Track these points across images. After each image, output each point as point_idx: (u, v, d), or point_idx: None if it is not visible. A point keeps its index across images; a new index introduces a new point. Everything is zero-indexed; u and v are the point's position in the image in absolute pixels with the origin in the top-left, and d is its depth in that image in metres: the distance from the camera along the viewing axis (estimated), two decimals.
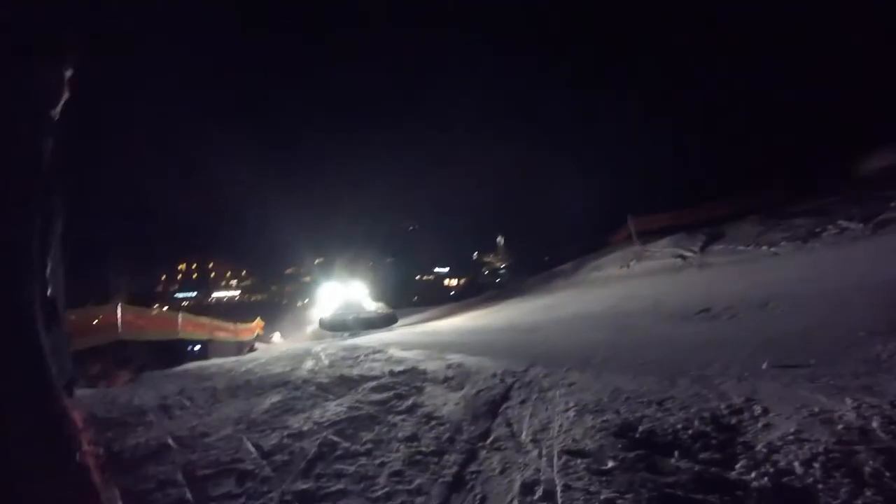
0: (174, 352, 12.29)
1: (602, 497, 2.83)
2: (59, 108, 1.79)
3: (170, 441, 4.40)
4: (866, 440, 3.02)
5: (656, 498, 2.77)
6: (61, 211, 1.78)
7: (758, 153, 26.55)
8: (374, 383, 5.89)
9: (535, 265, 31.10)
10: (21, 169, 1.55)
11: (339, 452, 3.86)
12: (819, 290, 7.98)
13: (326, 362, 7.46)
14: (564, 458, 3.41)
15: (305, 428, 4.46)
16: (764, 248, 14.30)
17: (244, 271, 67.01)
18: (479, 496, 3.06)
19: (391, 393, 5.40)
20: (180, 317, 14.42)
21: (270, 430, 4.52)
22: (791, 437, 3.24)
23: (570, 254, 25.77)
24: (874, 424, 3.17)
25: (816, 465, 2.87)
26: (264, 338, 21.68)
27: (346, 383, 6.06)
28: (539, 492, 2.98)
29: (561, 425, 4.03)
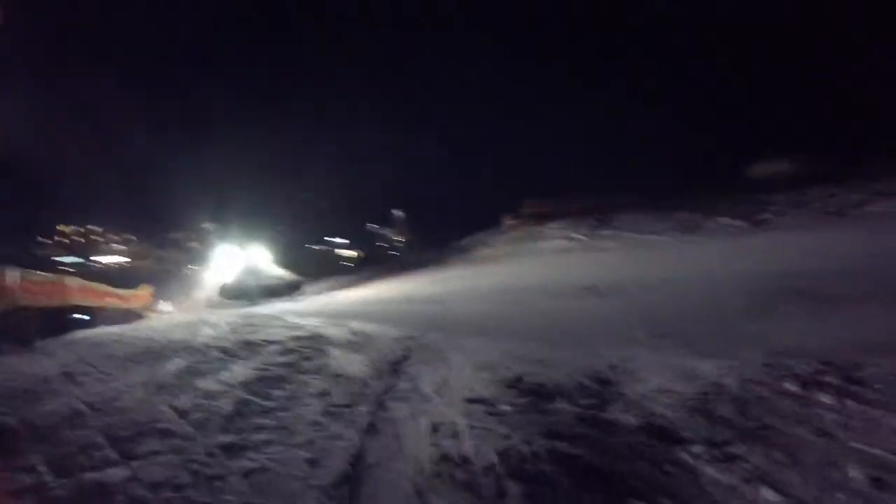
0: (63, 320, 11.66)
1: (500, 432, 3.46)
2: None
3: (82, 406, 4.53)
4: (722, 392, 3.83)
5: (544, 431, 3.43)
6: None
7: (656, 150, 28.64)
8: (278, 347, 6.23)
9: (432, 241, 31.76)
10: None
11: (255, 408, 4.26)
12: (696, 276, 9.17)
13: (227, 328, 7.58)
14: (465, 404, 4.01)
15: (217, 388, 4.78)
16: (648, 235, 15.80)
17: (130, 236, 62.92)
18: (392, 436, 3.60)
19: (297, 356, 5.79)
20: (73, 283, 13.63)
21: (181, 392, 4.77)
22: (659, 389, 4.03)
23: (466, 232, 26.65)
24: (730, 381, 4.00)
25: (679, 409, 3.65)
26: (153, 307, 20.28)
27: (250, 347, 6.32)
28: (446, 431, 3.55)
29: (458, 381, 4.62)
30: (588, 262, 13.96)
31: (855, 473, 2.66)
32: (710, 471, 2.87)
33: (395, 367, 5.22)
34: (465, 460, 3.14)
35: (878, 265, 7.69)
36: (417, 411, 4.00)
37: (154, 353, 6.33)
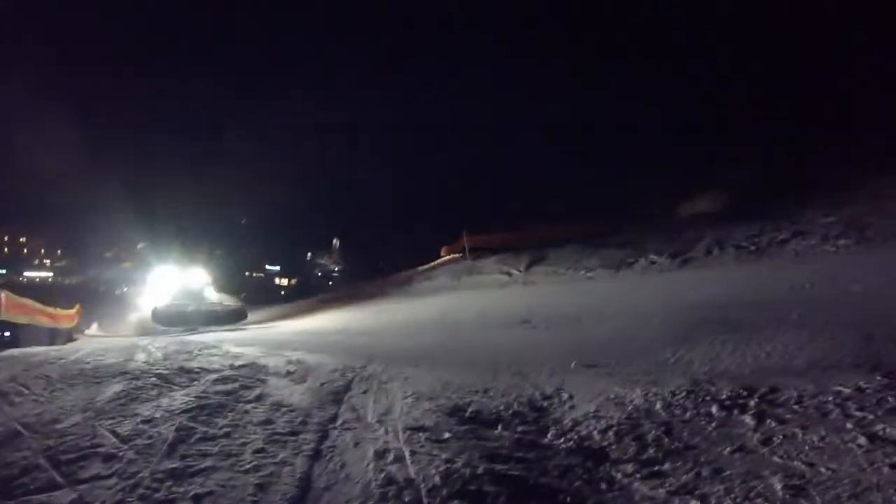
0: None
1: (443, 457, 3.58)
2: None
3: (19, 428, 4.45)
4: (650, 416, 4.04)
5: (485, 455, 3.55)
6: None
7: (583, 186, 29.50)
8: (215, 375, 6.19)
9: (370, 271, 31.62)
10: None
11: (198, 435, 4.25)
12: (625, 310, 9.51)
13: (160, 355, 7.45)
14: (408, 432, 4.13)
15: (157, 415, 4.74)
16: (581, 272, 16.28)
17: (59, 250, 59.74)
18: (339, 463, 3.69)
19: (236, 384, 5.77)
20: (3, 295, 12.60)
21: (121, 417, 4.73)
22: (591, 415, 4.22)
23: (404, 263, 26.68)
24: (658, 406, 4.22)
25: (610, 433, 3.85)
26: (80, 328, 18.72)
27: (187, 374, 6.26)
28: (390, 457, 3.68)
29: (401, 409, 4.76)
30: (523, 296, 14.27)
31: (775, 483, 2.85)
32: (641, 487, 3.03)
33: (338, 397, 5.24)
34: (409, 483, 3.22)
35: (792, 297, 8.17)
36: (362, 439, 4.06)
37: (89, 376, 6.20)
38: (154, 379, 6.01)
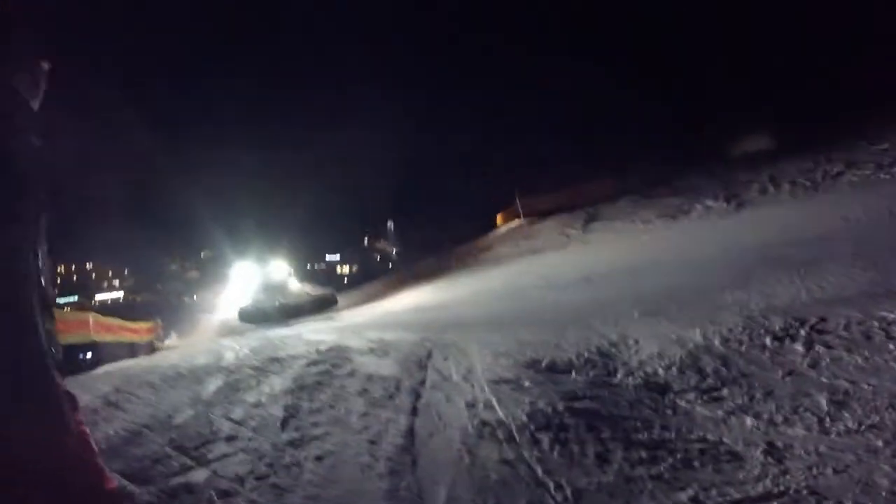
0: (73, 356, 11.88)
1: (526, 401, 4.11)
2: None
3: (139, 428, 5.03)
4: (709, 351, 4.48)
5: (562, 396, 4.09)
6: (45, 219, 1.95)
7: (638, 136, 29.18)
8: (304, 360, 6.84)
9: (428, 248, 31.95)
10: (25, 182, 1.78)
11: (305, 410, 4.85)
12: (683, 258, 9.84)
13: (247, 351, 8.14)
14: (492, 385, 4.68)
15: (263, 399, 5.36)
16: (638, 224, 16.50)
17: (125, 270, 62.73)
18: (436, 415, 4.26)
19: (327, 365, 6.39)
20: (91, 318, 13.84)
21: (230, 405, 5.35)
22: (655, 355, 4.69)
23: (460, 233, 27.09)
24: (716, 342, 4.66)
25: (673, 369, 4.31)
26: (160, 339, 19.41)
27: (279, 363, 6.94)
28: (480, 405, 4.23)
29: (482, 367, 5.30)
30: (582, 255, 14.63)
31: (820, 399, 3.28)
32: (702, 410, 3.51)
33: (422, 364, 5.81)
34: (501, 423, 3.76)
35: (847, 230, 8.36)
36: (451, 395, 4.63)
37: (187, 377, 6.87)
38: (249, 371, 6.66)
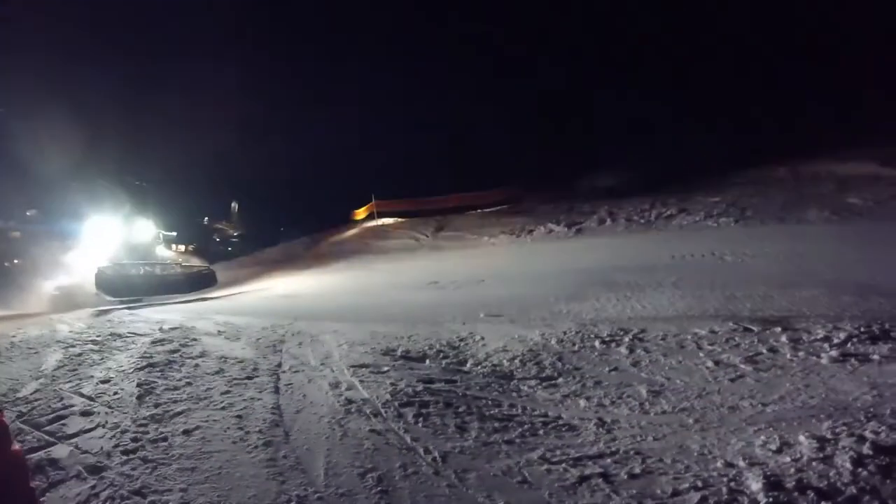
0: None
1: (387, 382, 4.39)
2: None
3: None
4: (546, 349, 4.96)
5: (420, 379, 4.39)
6: None
7: (499, 162, 30.33)
8: (149, 339, 6.57)
9: (272, 236, 30.83)
10: None
11: (161, 387, 4.73)
12: (525, 272, 10.56)
13: (83, 325, 7.58)
14: (352, 369, 4.88)
15: (112, 375, 5.15)
16: (485, 238, 17.35)
17: None
18: (300, 395, 4.37)
19: (174, 344, 6.21)
20: None
21: (78, 380, 5.08)
22: (500, 349, 5.11)
23: (309, 227, 26.61)
24: (552, 342, 5.15)
25: (516, 361, 4.74)
26: None
27: (121, 339, 6.61)
28: (343, 386, 4.44)
29: (339, 354, 5.47)
30: (431, 260, 15.11)
31: (641, 389, 3.80)
32: (542, 393, 3.94)
33: (276, 349, 5.84)
34: (366, 401, 3.99)
35: (673, 264, 9.43)
36: (313, 377, 4.76)
37: (21, 349, 6.41)
38: (91, 346, 6.29)
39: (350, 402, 4.00)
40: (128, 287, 12.27)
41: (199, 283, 13.53)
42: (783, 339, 4.66)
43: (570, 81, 32.54)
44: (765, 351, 4.43)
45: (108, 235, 14.16)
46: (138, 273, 13.08)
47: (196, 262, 15.59)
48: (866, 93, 21.67)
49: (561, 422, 3.34)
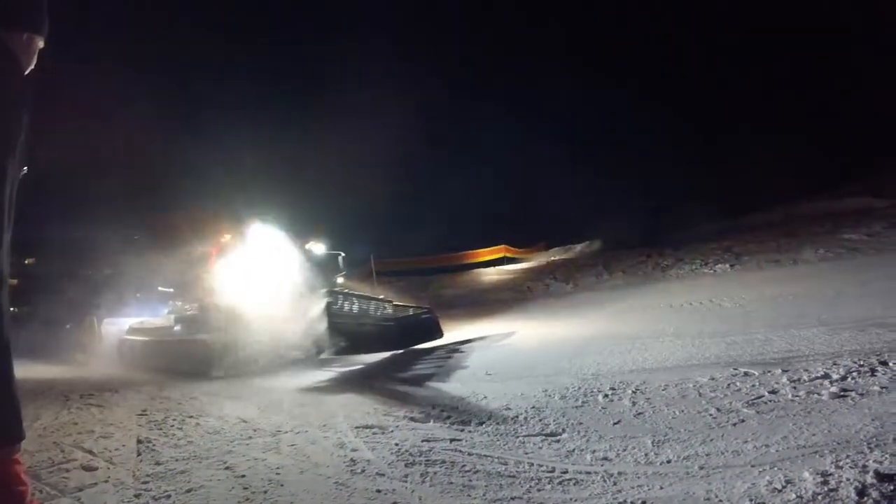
0: None
1: (392, 442, 4.27)
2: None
3: None
4: (549, 405, 4.96)
5: (425, 438, 4.31)
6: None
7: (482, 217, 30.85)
8: None
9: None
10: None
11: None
12: (525, 332, 10.58)
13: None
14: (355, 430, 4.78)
15: None
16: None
17: None
18: None
19: None
20: None
21: None
22: (503, 407, 5.07)
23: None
24: (556, 398, 5.15)
25: (520, 417, 4.70)
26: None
27: None
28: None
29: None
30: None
31: (646, 439, 3.84)
32: (546, 449, 3.94)
33: None
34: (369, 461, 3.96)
35: (672, 313, 9.55)
36: None
37: None
38: None
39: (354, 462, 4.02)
40: (357, 335, 8.74)
41: (420, 333, 9.84)
42: (784, 380, 4.74)
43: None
44: (766, 393, 4.48)
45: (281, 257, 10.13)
46: (363, 313, 9.46)
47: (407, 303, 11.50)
48: (858, 125, 22.43)
49: (567, 476, 3.34)
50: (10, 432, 1.60)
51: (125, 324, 13.56)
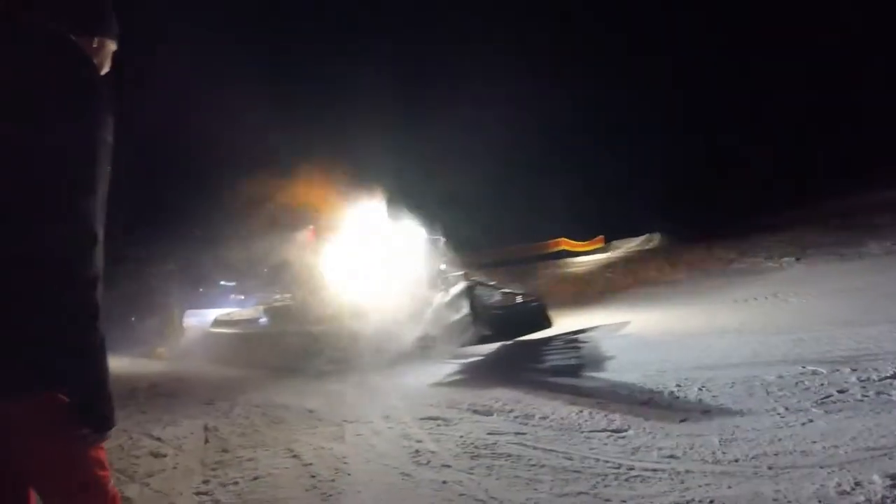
0: None
1: (457, 434, 4.42)
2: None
3: None
4: (617, 400, 5.01)
5: (489, 431, 4.44)
6: None
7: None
8: None
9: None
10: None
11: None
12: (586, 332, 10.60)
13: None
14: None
15: None
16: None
17: None
18: None
19: None
20: None
21: None
22: (567, 402, 5.15)
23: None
24: (621, 392, 5.19)
25: (584, 413, 4.78)
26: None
27: None
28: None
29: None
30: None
31: (713, 438, 3.86)
32: (611, 446, 4.01)
33: None
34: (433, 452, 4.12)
35: (736, 308, 9.41)
36: None
37: None
38: None
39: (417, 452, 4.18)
40: (503, 324, 8.56)
41: (534, 321, 9.39)
42: (852, 379, 4.68)
43: None
44: (834, 392, 4.44)
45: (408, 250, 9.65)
46: (500, 302, 9.39)
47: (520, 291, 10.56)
48: None
49: (633, 472, 3.42)
50: (107, 422, 1.72)
51: (209, 316, 13.84)
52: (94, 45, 1.94)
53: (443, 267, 9.83)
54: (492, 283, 9.93)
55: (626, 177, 31.01)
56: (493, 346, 8.76)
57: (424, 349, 8.51)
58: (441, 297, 8.49)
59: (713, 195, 25.82)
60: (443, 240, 10.56)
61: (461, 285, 8.35)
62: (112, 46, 2.03)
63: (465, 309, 7.98)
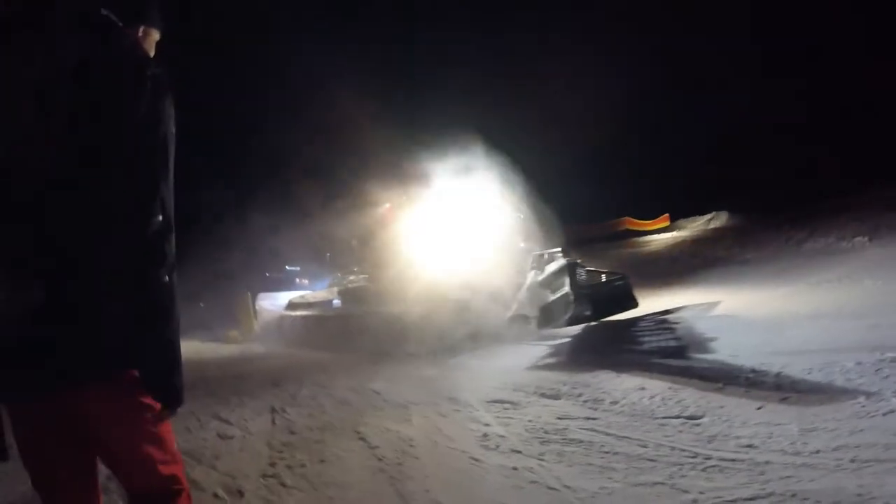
0: None
1: (525, 419, 4.47)
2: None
3: None
4: (691, 385, 4.96)
5: (559, 415, 4.47)
6: None
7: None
8: None
9: None
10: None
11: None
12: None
13: None
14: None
15: None
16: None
17: None
18: None
19: None
20: None
21: None
22: (636, 387, 5.12)
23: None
24: (696, 378, 5.13)
25: (657, 398, 4.75)
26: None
27: None
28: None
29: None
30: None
31: (792, 427, 3.79)
32: (686, 434, 3.98)
33: None
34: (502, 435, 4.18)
35: (808, 293, 9.12)
36: None
37: None
38: None
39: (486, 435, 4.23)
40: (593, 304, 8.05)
41: (622, 301, 9.08)
42: None
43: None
44: None
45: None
46: (587, 280, 8.59)
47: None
48: None
49: (710, 462, 3.37)
50: (180, 398, 1.83)
51: (282, 299, 14.01)
52: (140, 35, 2.01)
53: (530, 244, 9.44)
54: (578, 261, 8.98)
55: (688, 155, 30.04)
56: (577, 328, 8.57)
57: (516, 331, 8.38)
58: (534, 276, 8.28)
59: (781, 172, 24.80)
60: (526, 216, 9.93)
61: (559, 263, 8.09)
62: (156, 36, 2.10)
63: (565, 288, 7.74)
